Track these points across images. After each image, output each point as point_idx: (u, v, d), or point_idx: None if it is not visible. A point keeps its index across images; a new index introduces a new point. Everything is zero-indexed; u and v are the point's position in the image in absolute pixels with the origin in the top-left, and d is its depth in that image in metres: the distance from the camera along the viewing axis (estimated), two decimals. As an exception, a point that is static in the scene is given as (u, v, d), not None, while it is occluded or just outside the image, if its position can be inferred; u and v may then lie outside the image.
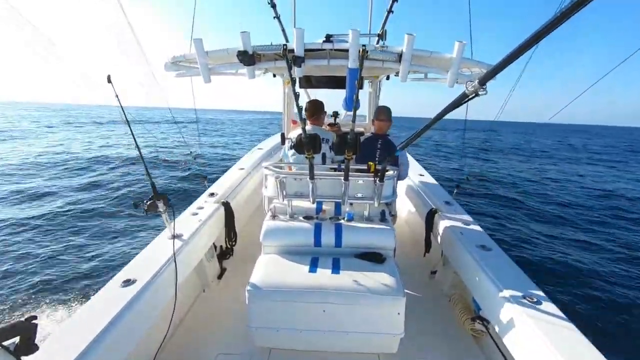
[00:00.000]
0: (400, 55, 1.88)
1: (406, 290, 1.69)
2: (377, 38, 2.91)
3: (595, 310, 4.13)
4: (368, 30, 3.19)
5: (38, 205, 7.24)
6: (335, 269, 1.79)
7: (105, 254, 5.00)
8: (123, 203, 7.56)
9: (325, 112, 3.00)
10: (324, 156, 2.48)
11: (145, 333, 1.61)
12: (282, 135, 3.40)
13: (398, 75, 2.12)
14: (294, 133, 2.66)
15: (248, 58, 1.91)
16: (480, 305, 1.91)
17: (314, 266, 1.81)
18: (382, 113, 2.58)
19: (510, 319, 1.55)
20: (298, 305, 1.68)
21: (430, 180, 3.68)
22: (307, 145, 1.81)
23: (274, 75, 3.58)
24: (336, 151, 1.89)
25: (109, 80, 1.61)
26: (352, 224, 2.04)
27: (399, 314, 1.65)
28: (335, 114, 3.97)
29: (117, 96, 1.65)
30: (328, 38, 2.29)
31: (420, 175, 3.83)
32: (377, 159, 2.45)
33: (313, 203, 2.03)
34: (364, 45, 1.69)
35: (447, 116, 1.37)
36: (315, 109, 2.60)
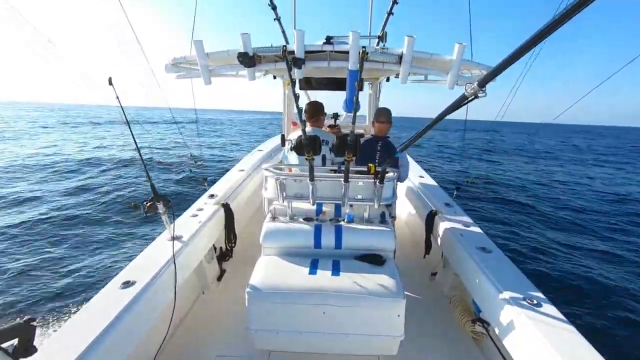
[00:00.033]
0: (400, 57, 1.89)
1: (406, 292, 1.69)
2: (377, 40, 2.92)
3: (622, 330, 3.69)
4: (368, 32, 3.20)
5: (19, 211, 6.75)
6: (335, 270, 1.79)
7: (83, 269, 4.54)
8: (110, 209, 7.06)
9: (325, 114, 2.96)
10: (324, 158, 2.47)
11: (144, 335, 1.61)
12: (282, 137, 3.39)
13: (398, 77, 2.12)
14: (294, 135, 2.64)
15: (248, 60, 1.91)
16: (481, 307, 1.90)
17: (313, 268, 1.81)
18: (382, 115, 2.58)
19: (511, 321, 1.55)
20: (298, 307, 1.67)
21: (430, 181, 3.68)
22: (307, 147, 1.80)
23: (274, 77, 3.59)
24: (336, 153, 1.90)
25: (110, 83, 1.61)
26: (352, 225, 2.03)
27: (399, 316, 1.65)
28: (336, 116, 3.93)
29: (117, 98, 1.65)
30: (328, 40, 2.27)
31: (420, 176, 3.83)
32: (377, 161, 2.45)
33: (313, 205, 2.03)
34: (364, 47, 1.70)
35: (448, 116, 1.36)
36: (315, 111, 2.59)
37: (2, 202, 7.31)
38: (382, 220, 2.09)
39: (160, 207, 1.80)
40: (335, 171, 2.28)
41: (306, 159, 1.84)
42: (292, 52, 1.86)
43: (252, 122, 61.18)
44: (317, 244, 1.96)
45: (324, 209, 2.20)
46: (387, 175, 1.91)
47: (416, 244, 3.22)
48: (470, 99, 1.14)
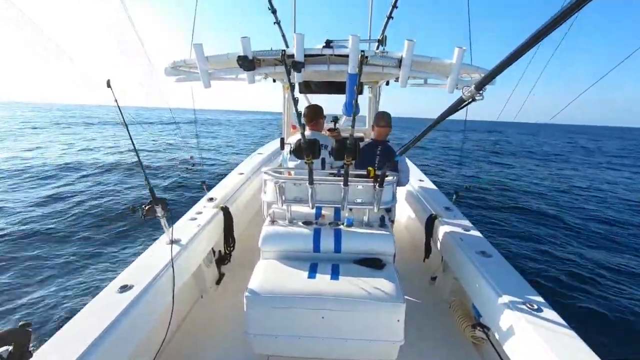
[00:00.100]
0: (400, 61, 1.89)
1: (406, 297, 1.67)
2: (377, 43, 2.91)
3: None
4: (368, 35, 3.20)
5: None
6: (335, 274, 1.78)
7: (38, 301, 3.54)
8: (78, 223, 6.03)
9: (325, 117, 2.95)
10: (323, 161, 2.46)
11: (142, 339, 1.59)
12: (282, 140, 3.38)
13: (398, 81, 2.13)
14: (294, 138, 2.65)
15: (248, 63, 1.91)
16: (481, 312, 1.89)
17: (313, 272, 1.80)
18: (382, 119, 2.58)
19: (511, 325, 1.54)
20: (297, 311, 1.66)
21: (430, 185, 3.68)
22: (306, 150, 1.80)
23: (274, 80, 3.57)
24: (335, 156, 1.89)
25: (109, 85, 1.61)
26: (352, 229, 2.03)
27: (398, 320, 1.64)
28: (335, 119, 3.91)
29: (116, 100, 1.65)
30: (328, 43, 2.28)
31: (420, 180, 3.83)
32: (376, 165, 2.43)
33: (312, 208, 2.03)
34: (363, 51, 1.70)
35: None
36: (314, 114, 2.58)
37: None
38: (382, 224, 2.09)
39: (159, 210, 1.80)
40: (334, 175, 2.28)
41: (305, 162, 1.83)
42: (292, 56, 1.86)
43: (252, 122, 60.58)
44: (317, 247, 1.95)
45: (323, 212, 2.19)
46: (386, 178, 1.91)
47: (416, 248, 3.20)
48: (467, 102, 1.13)
